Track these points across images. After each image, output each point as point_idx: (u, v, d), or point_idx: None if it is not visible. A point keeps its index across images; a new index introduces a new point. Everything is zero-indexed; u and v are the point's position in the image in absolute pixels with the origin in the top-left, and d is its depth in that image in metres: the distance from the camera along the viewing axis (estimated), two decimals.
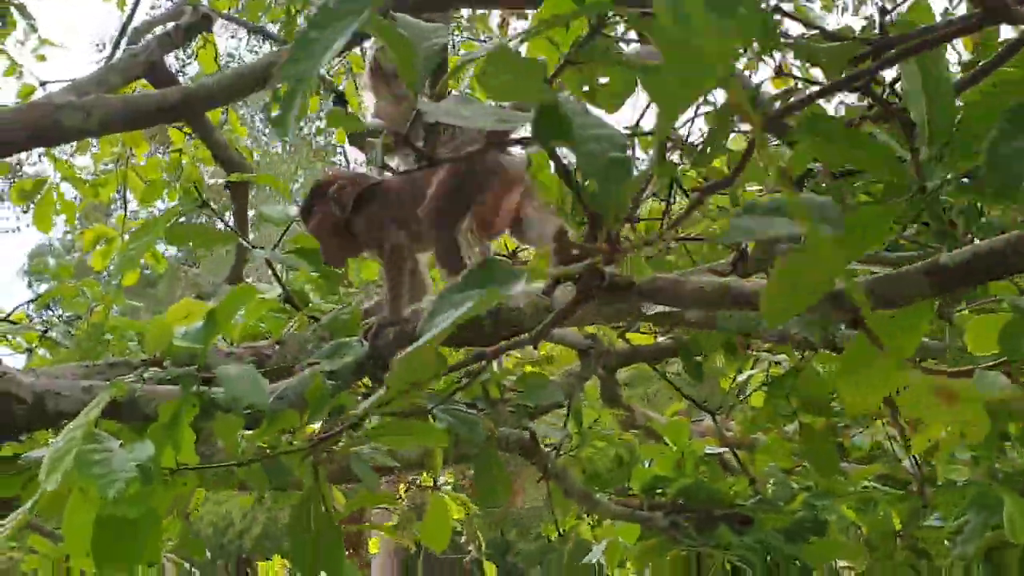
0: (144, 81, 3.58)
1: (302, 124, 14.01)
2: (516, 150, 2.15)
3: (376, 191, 2.19)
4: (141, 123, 2.99)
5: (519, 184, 2.16)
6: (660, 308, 2.01)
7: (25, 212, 16.02)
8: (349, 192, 2.16)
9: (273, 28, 4.48)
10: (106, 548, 1.47)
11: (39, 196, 4.34)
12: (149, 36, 3.63)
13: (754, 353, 3.26)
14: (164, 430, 1.54)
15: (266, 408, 1.54)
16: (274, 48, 4.99)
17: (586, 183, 0.86)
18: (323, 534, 1.61)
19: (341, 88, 4.21)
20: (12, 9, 4.01)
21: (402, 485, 3.61)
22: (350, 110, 3.93)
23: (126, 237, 4.52)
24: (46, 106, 2.87)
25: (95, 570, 1.45)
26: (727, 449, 3.25)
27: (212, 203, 2.21)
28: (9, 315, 3.60)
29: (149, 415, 1.76)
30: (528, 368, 2.63)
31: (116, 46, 3.85)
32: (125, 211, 4.54)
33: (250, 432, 1.69)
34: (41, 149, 4.61)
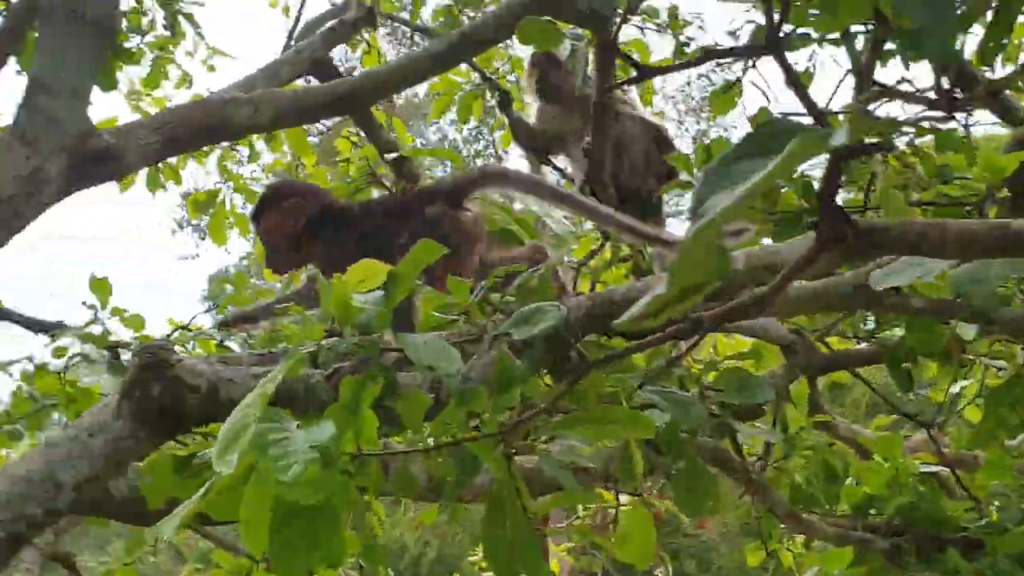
0: None
1: (460, 146, 14.12)
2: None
3: (335, 214, 2.14)
4: (310, 116, 2.91)
5: (481, 237, 2.22)
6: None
7: (203, 239, 16.69)
8: (303, 209, 2.18)
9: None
10: (284, 540, 1.31)
11: (213, 208, 4.37)
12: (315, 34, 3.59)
13: (971, 357, 2.94)
14: (344, 411, 1.37)
15: (455, 384, 1.35)
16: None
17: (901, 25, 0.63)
18: (519, 532, 1.41)
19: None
20: (180, 19, 4.04)
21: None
22: (515, 111, 3.80)
23: None
24: (214, 102, 2.82)
25: (273, 567, 1.29)
26: (944, 467, 2.93)
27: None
28: (186, 325, 3.60)
29: (328, 402, 1.61)
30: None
31: (284, 51, 3.83)
32: None
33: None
34: (218, 175, 4.67)
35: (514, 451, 1.47)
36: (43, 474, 1.72)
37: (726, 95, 2.84)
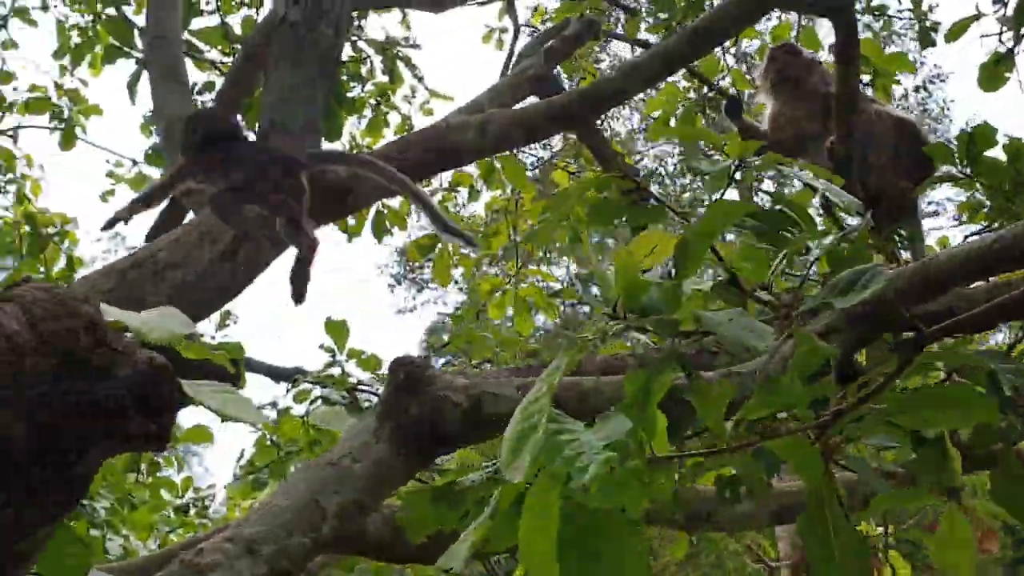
0: None
1: (666, 180, 13.91)
2: None
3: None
4: (535, 134, 2.81)
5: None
6: None
7: (420, 291, 17.11)
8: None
9: None
10: (574, 562, 1.13)
11: (436, 251, 4.34)
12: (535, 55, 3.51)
13: None
14: (630, 410, 1.19)
15: (761, 374, 1.16)
16: None
17: None
18: (850, 544, 1.19)
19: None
20: (399, 63, 4.06)
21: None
22: (746, 120, 3.58)
23: (520, 285, 4.42)
24: (440, 129, 2.78)
25: None
26: None
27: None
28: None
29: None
30: None
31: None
32: (517, 259, 4.44)
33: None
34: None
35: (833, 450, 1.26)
36: (305, 501, 1.63)
37: (996, 68, 2.55)
